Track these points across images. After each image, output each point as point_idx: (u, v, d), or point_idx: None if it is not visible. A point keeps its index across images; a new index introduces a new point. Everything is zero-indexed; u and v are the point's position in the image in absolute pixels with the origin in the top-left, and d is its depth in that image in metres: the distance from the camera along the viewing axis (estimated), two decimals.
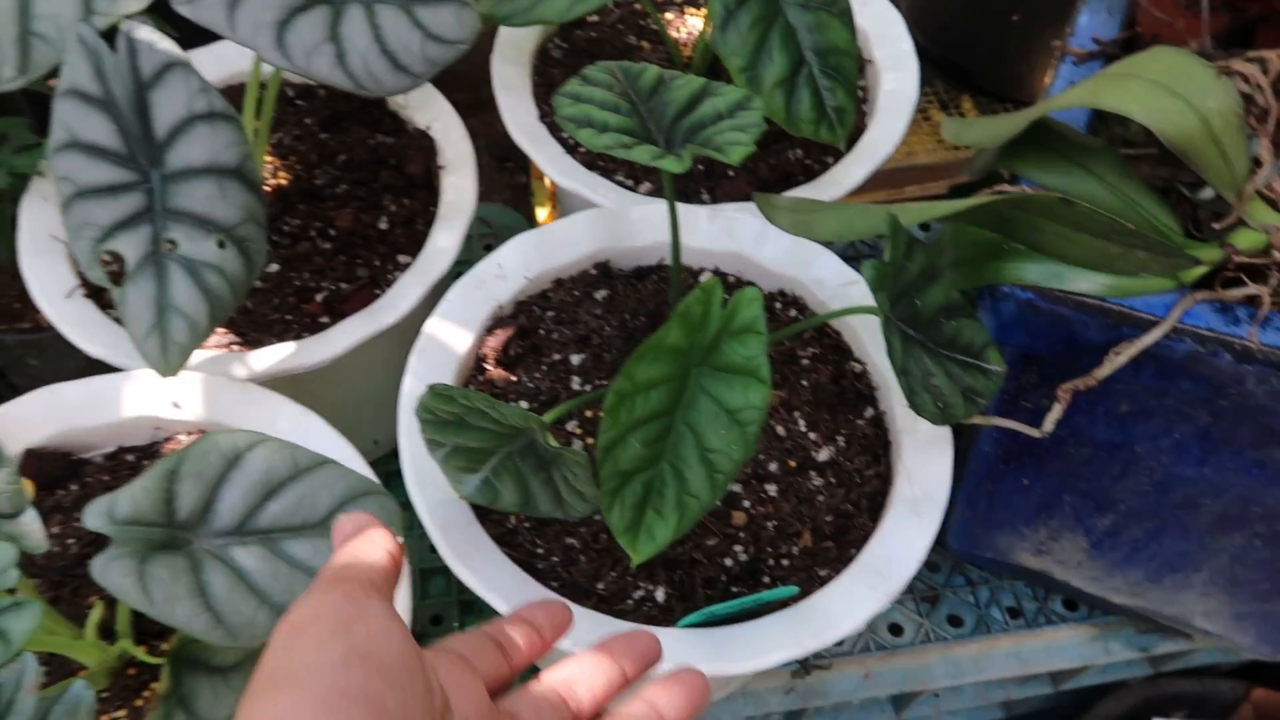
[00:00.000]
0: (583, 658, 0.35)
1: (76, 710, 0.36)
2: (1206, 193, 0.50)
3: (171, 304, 0.53)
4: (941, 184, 1.12)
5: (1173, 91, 0.47)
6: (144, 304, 0.53)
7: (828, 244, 0.66)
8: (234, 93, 0.81)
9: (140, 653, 0.46)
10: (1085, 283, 0.51)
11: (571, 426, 0.59)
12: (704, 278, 0.67)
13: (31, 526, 0.43)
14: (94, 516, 0.39)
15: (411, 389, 0.58)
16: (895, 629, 0.78)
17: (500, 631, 0.35)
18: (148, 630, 0.51)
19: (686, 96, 0.51)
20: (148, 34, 0.55)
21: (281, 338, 0.68)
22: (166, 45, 0.55)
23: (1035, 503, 0.69)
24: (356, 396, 0.77)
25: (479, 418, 0.46)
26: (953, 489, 0.57)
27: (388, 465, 0.75)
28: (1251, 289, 0.48)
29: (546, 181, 1.37)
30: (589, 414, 0.60)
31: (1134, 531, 0.67)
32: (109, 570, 0.38)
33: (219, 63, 0.80)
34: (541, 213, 1.50)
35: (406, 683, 0.26)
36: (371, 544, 0.31)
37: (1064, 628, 0.79)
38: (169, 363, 0.53)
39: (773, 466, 0.58)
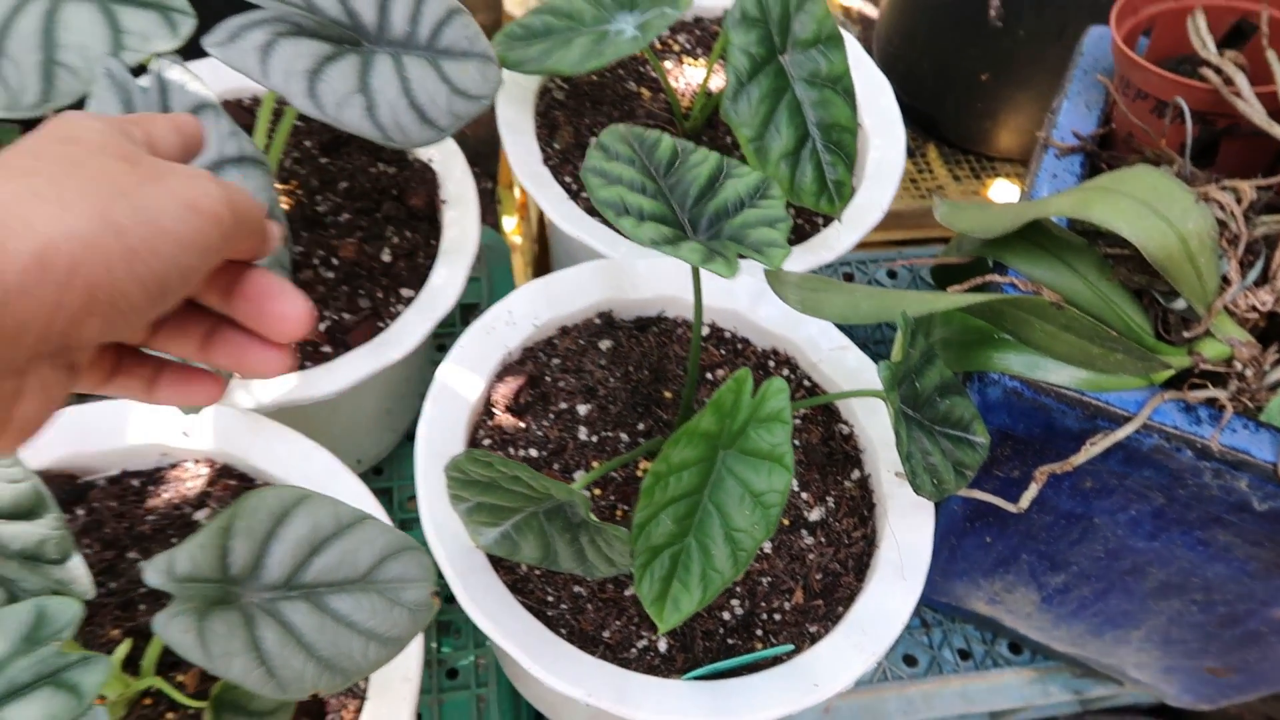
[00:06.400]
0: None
1: None
2: (1179, 303, 0.55)
3: None
4: (910, 230, 1.17)
5: (1156, 212, 0.52)
6: None
7: None
8: (229, 108, 0.81)
9: (175, 693, 0.47)
10: (1064, 375, 0.56)
11: (578, 475, 0.62)
12: (704, 332, 0.71)
13: (78, 572, 0.44)
14: (154, 574, 0.40)
15: (428, 435, 0.59)
16: None
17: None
18: (164, 663, 0.53)
19: (706, 175, 0.54)
20: (179, 74, 0.56)
21: None
22: (197, 87, 0.56)
23: (994, 558, 0.74)
24: (349, 421, 0.78)
25: (514, 483, 0.48)
26: None
27: (370, 483, 0.76)
28: (1214, 393, 0.54)
29: (515, 190, 1.38)
30: (598, 468, 0.63)
31: (1083, 590, 0.72)
32: (170, 627, 0.39)
33: (218, 78, 0.80)
34: (509, 221, 1.51)
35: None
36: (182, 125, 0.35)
37: (1008, 670, 0.85)
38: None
39: None
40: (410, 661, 0.55)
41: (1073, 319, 0.52)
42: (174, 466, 0.63)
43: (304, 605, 0.44)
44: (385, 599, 0.46)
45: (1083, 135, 0.69)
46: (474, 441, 0.63)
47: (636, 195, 0.51)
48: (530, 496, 0.49)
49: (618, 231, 0.75)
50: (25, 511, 0.44)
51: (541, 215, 1.08)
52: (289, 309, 0.35)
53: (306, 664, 0.42)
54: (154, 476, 0.62)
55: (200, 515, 0.61)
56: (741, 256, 0.49)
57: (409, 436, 0.89)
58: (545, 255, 1.15)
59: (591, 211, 0.76)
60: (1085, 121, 0.71)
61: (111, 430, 0.61)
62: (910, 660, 0.84)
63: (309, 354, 0.70)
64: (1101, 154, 0.68)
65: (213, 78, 0.80)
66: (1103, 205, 0.53)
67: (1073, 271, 0.59)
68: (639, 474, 0.63)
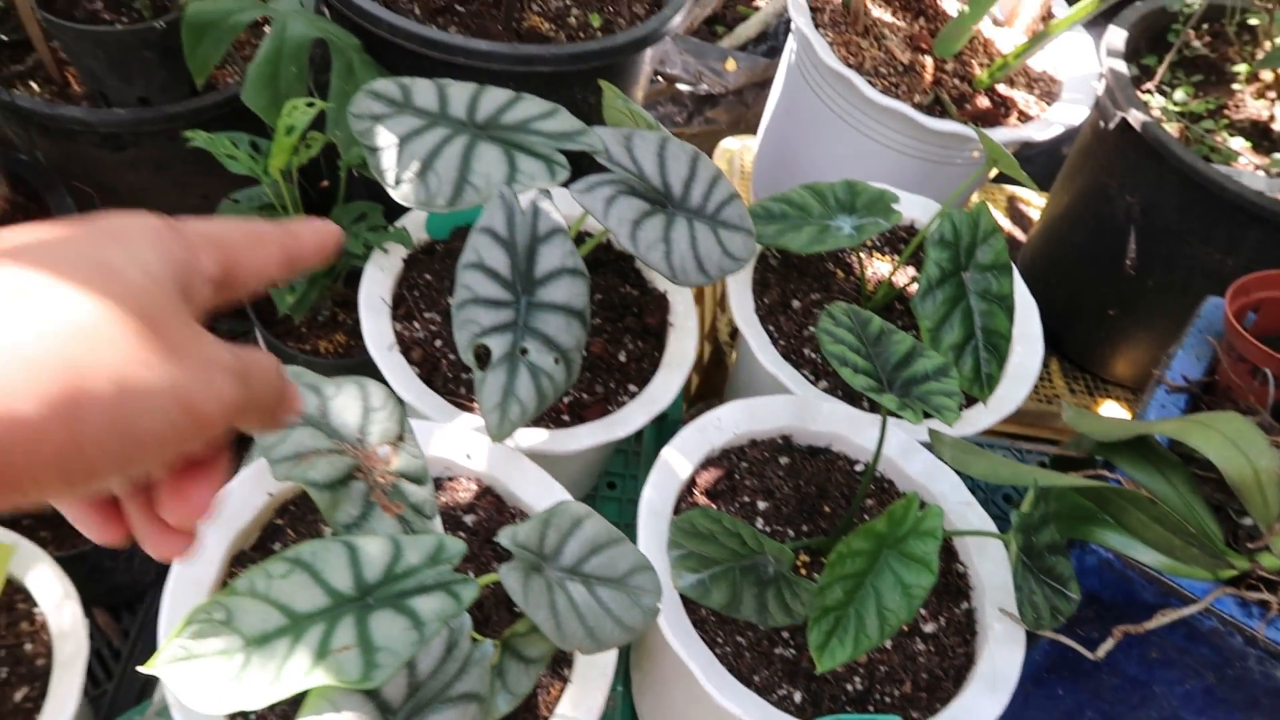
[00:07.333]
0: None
1: (484, 659, 0.56)
2: (1247, 520, 0.71)
3: (514, 393, 0.75)
4: (1025, 427, 1.34)
5: (1239, 448, 0.69)
6: (496, 388, 0.75)
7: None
8: None
9: (475, 635, 0.66)
10: (1150, 557, 0.72)
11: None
12: (858, 468, 0.89)
13: (439, 527, 0.64)
14: (505, 537, 0.60)
15: (650, 497, 0.79)
16: None
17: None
18: None
19: (903, 352, 0.74)
20: (547, 205, 0.79)
21: (535, 424, 0.89)
22: (557, 216, 0.79)
23: (1063, 710, 0.88)
24: (564, 473, 0.98)
25: (730, 538, 0.67)
26: None
27: None
28: (1266, 596, 0.69)
29: None
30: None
31: None
32: (509, 575, 0.58)
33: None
34: None
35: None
36: (267, 246, 0.34)
37: None
38: (501, 433, 0.75)
39: None
40: (609, 659, 0.73)
41: (1162, 514, 0.69)
42: (452, 479, 0.84)
43: (582, 587, 0.63)
44: (630, 599, 0.64)
45: (1190, 380, 0.87)
46: (677, 510, 0.82)
47: (854, 354, 0.71)
48: (738, 552, 0.68)
49: (803, 375, 0.95)
50: (417, 478, 0.64)
51: (713, 349, 1.29)
52: (193, 493, 0.31)
53: (579, 627, 0.61)
54: (438, 483, 0.83)
55: (467, 519, 0.81)
56: (927, 415, 0.68)
57: None
58: (705, 382, 1.36)
59: (785, 355, 0.96)
60: (1194, 369, 0.89)
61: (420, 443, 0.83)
62: None
63: (553, 420, 0.91)
64: (1203, 398, 0.86)
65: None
66: (1199, 434, 0.71)
67: (1167, 481, 0.76)
68: (797, 563, 0.80)
